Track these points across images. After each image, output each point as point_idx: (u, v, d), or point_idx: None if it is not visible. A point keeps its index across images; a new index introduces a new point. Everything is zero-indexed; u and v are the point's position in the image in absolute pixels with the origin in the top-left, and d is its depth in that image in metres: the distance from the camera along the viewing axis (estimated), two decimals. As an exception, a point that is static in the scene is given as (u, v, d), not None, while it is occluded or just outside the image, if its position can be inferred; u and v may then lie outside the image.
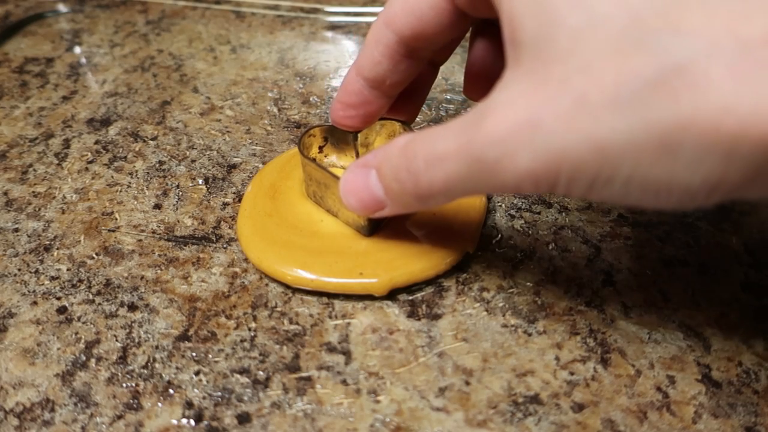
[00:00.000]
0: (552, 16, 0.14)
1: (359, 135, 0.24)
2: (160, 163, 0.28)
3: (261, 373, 0.20)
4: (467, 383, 0.20)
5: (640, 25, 0.13)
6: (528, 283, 0.23)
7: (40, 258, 0.24)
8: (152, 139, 0.30)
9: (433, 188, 0.17)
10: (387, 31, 0.20)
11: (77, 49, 0.37)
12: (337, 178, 0.21)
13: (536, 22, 0.15)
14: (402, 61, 0.21)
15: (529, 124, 0.14)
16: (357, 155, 0.25)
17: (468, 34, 0.22)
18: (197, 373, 0.20)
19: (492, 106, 0.15)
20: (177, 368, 0.20)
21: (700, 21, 0.12)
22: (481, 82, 0.22)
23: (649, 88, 0.12)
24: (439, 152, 0.16)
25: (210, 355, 0.21)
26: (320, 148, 0.26)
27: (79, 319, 0.22)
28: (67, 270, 0.24)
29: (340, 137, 0.25)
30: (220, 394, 0.19)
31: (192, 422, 0.19)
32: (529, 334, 0.21)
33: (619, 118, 0.13)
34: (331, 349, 0.21)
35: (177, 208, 0.26)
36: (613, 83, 0.13)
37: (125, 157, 0.29)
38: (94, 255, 0.24)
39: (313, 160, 0.23)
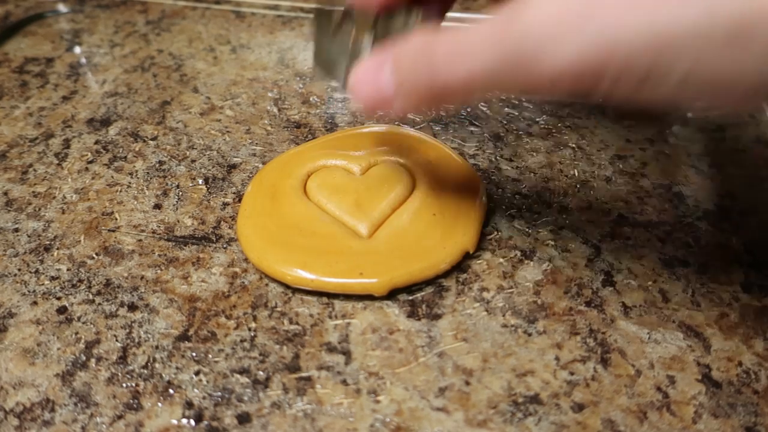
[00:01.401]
0: None
1: (378, 24, 0.22)
2: (160, 163, 0.28)
3: (261, 373, 0.20)
4: (467, 383, 0.20)
5: None
6: (528, 283, 0.23)
7: (40, 258, 0.24)
8: (152, 139, 0.30)
9: (451, 82, 0.16)
10: None
11: (77, 49, 0.37)
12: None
13: None
14: None
15: (579, 10, 0.13)
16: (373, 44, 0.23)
17: None
18: (197, 373, 0.20)
19: None
20: (177, 368, 0.20)
21: None
22: None
23: None
24: (464, 44, 0.15)
25: (210, 355, 0.21)
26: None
27: (79, 319, 0.22)
28: (67, 270, 0.24)
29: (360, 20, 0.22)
30: (220, 394, 0.19)
31: (192, 422, 0.19)
32: (529, 334, 0.21)
33: (681, 6, 0.12)
34: (331, 349, 0.21)
35: (177, 208, 0.26)
36: None
37: (125, 157, 0.29)
38: (94, 255, 0.24)
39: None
